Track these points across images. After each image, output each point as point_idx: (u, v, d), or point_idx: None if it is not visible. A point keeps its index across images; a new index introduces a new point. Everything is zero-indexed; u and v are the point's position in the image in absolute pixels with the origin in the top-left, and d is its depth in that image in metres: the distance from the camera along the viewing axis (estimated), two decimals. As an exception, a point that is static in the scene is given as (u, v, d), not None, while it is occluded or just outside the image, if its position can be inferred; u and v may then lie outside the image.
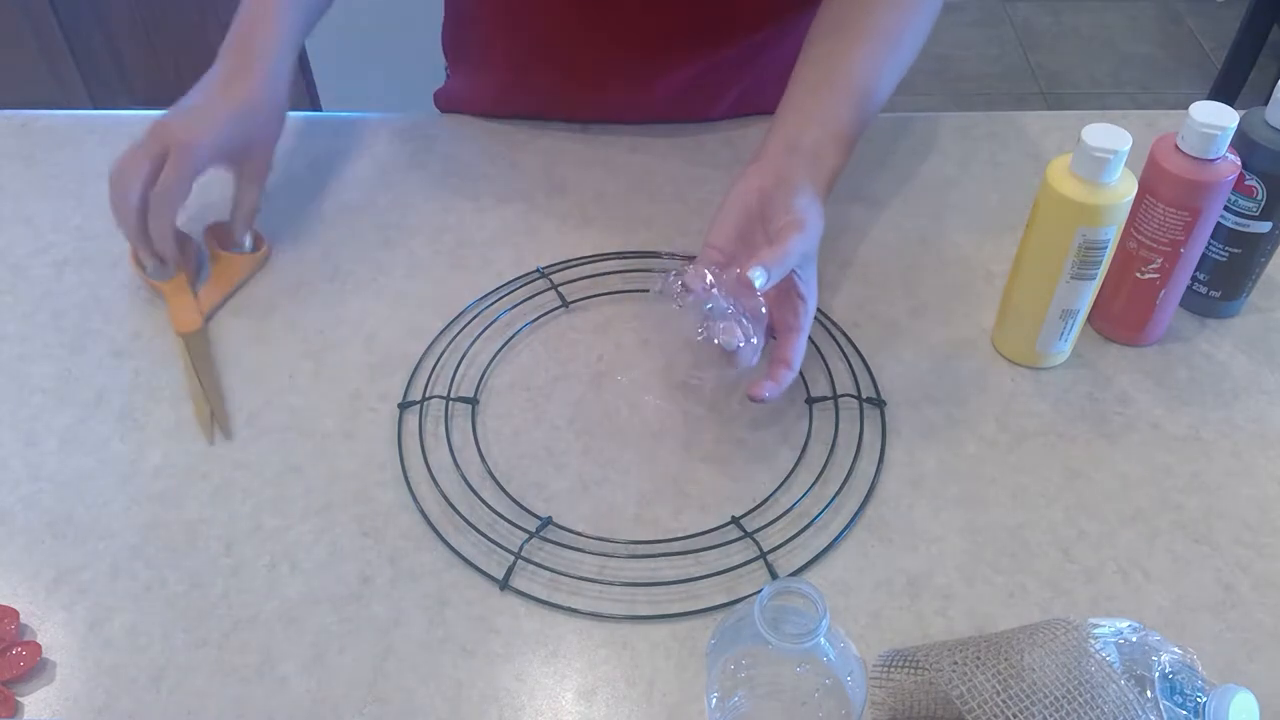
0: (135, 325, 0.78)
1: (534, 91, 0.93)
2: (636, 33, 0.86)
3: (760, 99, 0.94)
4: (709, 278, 0.62)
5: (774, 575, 0.63)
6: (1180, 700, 0.48)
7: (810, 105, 0.71)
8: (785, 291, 0.67)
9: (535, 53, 0.91)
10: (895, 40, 0.74)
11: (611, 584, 0.63)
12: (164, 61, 1.92)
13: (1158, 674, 0.49)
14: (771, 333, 0.68)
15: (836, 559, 0.64)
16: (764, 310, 0.64)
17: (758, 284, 0.61)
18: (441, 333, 0.77)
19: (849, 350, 0.75)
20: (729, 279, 0.62)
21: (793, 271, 0.65)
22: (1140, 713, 0.47)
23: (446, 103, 1.00)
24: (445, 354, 0.76)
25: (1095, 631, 0.50)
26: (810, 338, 0.75)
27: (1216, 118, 0.64)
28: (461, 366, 0.75)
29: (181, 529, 0.66)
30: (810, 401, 0.72)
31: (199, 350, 0.75)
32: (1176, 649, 0.51)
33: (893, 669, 0.55)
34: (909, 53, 0.75)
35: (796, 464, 0.69)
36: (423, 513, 0.67)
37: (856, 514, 0.66)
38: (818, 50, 0.74)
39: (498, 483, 0.68)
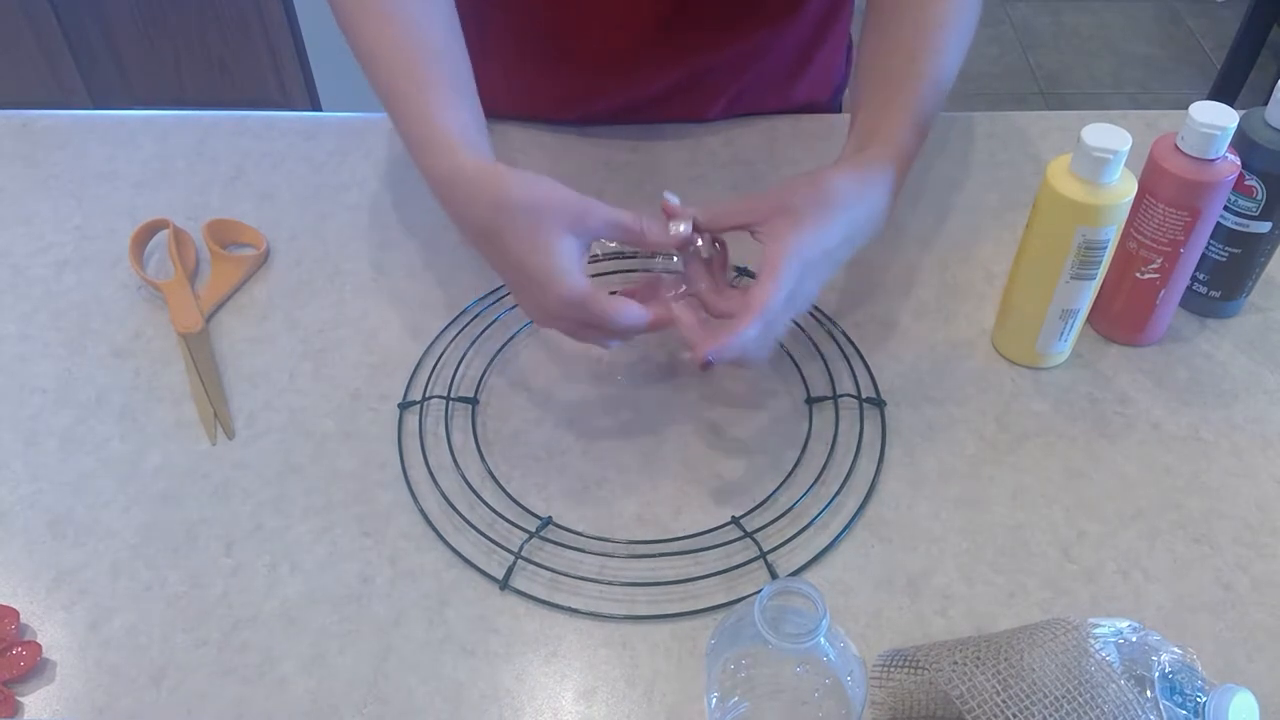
0: (135, 325, 0.78)
1: (533, 91, 0.93)
2: (635, 32, 0.86)
3: (759, 99, 0.94)
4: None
5: (774, 575, 0.63)
6: (1180, 700, 0.48)
7: (869, 100, 0.71)
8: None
9: (533, 52, 0.91)
10: (941, 23, 0.73)
11: (611, 584, 0.63)
12: (164, 61, 1.92)
13: (1158, 674, 0.49)
14: None
15: (836, 559, 0.64)
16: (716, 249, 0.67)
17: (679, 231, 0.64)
18: (441, 333, 0.77)
19: (849, 350, 0.75)
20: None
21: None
22: (1140, 713, 0.47)
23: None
24: (445, 354, 0.76)
25: (1095, 631, 0.50)
26: (809, 337, 0.76)
27: (1216, 118, 0.64)
28: (461, 366, 0.75)
29: (181, 529, 0.66)
30: (810, 401, 0.72)
31: (199, 350, 0.75)
32: (1176, 649, 0.51)
33: (893, 669, 0.55)
34: (962, 34, 0.74)
35: (796, 464, 0.69)
36: (423, 513, 0.67)
37: (856, 514, 0.66)
38: (871, 46, 0.74)
39: (498, 483, 0.68)
